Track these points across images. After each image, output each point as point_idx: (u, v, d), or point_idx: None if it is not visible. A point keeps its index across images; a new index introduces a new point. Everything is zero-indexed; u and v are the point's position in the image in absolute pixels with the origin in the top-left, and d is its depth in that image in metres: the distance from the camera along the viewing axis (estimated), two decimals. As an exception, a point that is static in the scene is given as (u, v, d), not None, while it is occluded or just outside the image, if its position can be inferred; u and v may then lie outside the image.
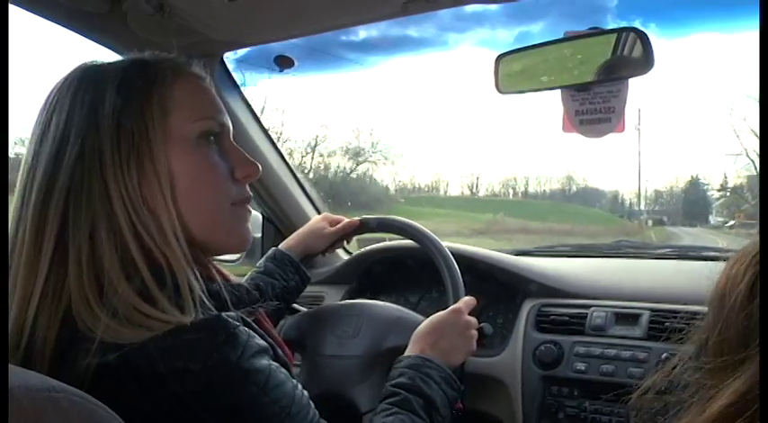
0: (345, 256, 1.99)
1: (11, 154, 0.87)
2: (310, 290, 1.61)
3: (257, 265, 1.47)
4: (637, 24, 1.22)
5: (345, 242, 1.63)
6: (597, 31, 1.28)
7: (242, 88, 1.76)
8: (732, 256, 0.66)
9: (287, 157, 1.92)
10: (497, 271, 1.75)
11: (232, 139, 0.99)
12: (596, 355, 1.48)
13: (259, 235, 1.96)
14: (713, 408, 0.57)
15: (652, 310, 1.50)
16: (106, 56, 0.98)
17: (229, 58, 1.70)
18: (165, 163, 0.87)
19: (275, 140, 1.89)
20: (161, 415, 0.75)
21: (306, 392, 0.87)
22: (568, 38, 1.30)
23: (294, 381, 0.86)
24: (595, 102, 1.33)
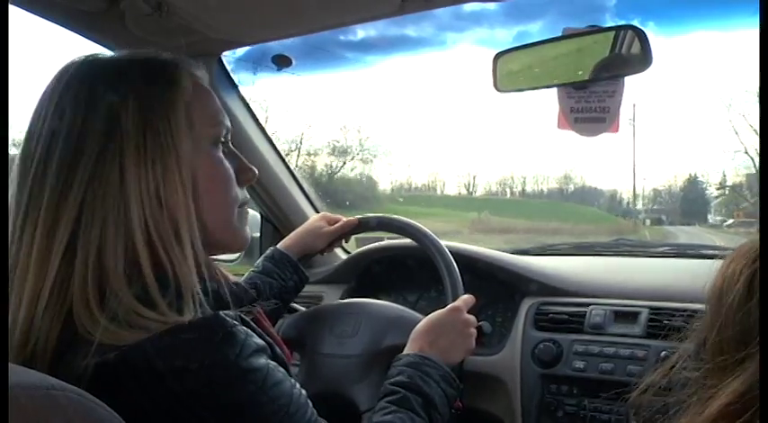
0: (344, 256, 1.99)
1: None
2: (309, 289, 1.61)
3: (255, 264, 1.47)
4: (635, 23, 1.22)
5: (344, 241, 1.63)
6: (595, 29, 1.28)
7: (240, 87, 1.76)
8: (728, 256, 0.66)
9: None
10: (496, 270, 1.75)
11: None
12: (595, 353, 1.48)
13: (258, 234, 1.96)
14: (712, 407, 0.57)
15: (651, 308, 1.50)
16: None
17: (227, 57, 1.70)
18: (189, 164, 0.88)
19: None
20: (160, 413, 0.75)
21: (304, 391, 0.87)
22: (567, 36, 1.30)
23: (292, 380, 0.86)
24: (591, 100, 1.33)
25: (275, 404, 0.81)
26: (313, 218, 1.60)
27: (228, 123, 0.98)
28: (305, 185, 1.97)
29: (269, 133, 1.85)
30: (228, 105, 1.69)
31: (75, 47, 1.42)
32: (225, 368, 0.77)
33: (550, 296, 1.65)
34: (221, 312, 0.81)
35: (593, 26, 1.31)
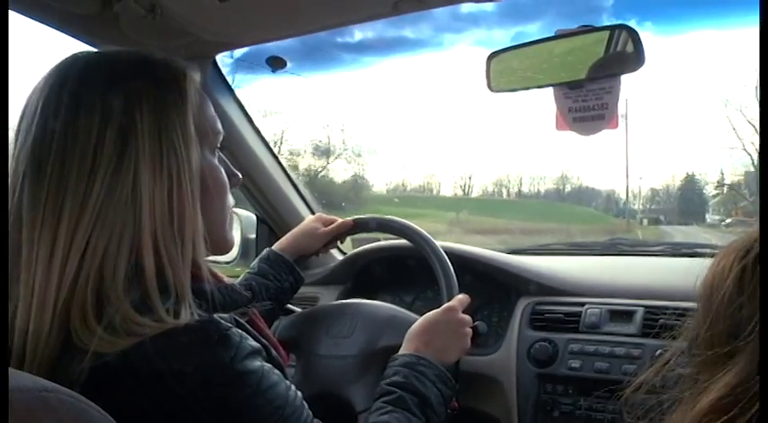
0: (340, 257, 1.99)
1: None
2: (305, 291, 1.61)
3: (251, 266, 1.47)
4: (632, 23, 1.22)
5: (339, 242, 1.63)
6: (588, 29, 1.28)
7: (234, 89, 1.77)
8: (719, 252, 0.66)
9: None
10: (492, 270, 1.75)
11: None
12: (591, 352, 1.48)
13: (253, 236, 1.96)
14: (704, 402, 0.57)
15: (646, 307, 1.51)
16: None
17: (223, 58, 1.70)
18: (198, 174, 0.89)
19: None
20: (158, 414, 0.75)
21: (299, 393, 0.87)
22: (560, 36, 1.30)
23: (288, 382, 0.86)
24: (588, 99, 1.33)
25: (271, 406, 0.81)
26: (308, 219, 1.60)
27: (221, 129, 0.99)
28: (301, 187, 1.97)
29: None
30: (223, 107, 1.69)
31: (64, 46, 1.41)
32: (220, 371, 0.77)
33: (546, 296, 1.65)
34: (216, 315, 0.81)
35: (585, 26, 1.31)
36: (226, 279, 1.01)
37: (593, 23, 1.29)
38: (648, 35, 1.21)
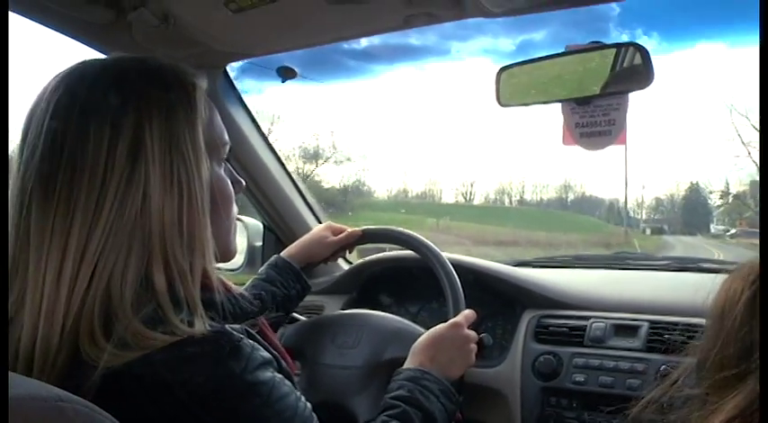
0: (345, 266, 2.00)
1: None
2: (310, 299, 1.61)
3: (259, 271, 1.47)
4: (639, 33, 1.23)
5: (348, 252, 1.64)
6: (598, 46, 1.29)
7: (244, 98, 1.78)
8: (731, 274, 0.67)
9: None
10: (497, 282, 1.75)
11: None
12: (595, 366, 1.48)
13: (259, 244, 1.97)
14: (715, 422, 0.58)
15: (651, 322, 1.50)
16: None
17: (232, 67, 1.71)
18: (207, 186, 0.88)
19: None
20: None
21: (309, 405, 0.87)
22: (570, 52, 1.31)
23: (298, 393, 0.87)
24: (596, 114, 1.33)
25: (280, 417, 0.81)
26: (318, 227, 1.60)
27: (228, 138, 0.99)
28: (308, 196, 1.98)
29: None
30: (233, 117, 1.71)
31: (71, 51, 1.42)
32: (231, 382, 0.78)
33: (551, 309, 1.65)
34: (227, 326, 0.81)
35: (596, 42, 1.31)
36: (235, 288, 1.01)
37: (598, 32, 1.31)
38: (653, 45, 1.21)
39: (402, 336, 1.37)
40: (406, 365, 1.19)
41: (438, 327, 1.26)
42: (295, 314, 1.56)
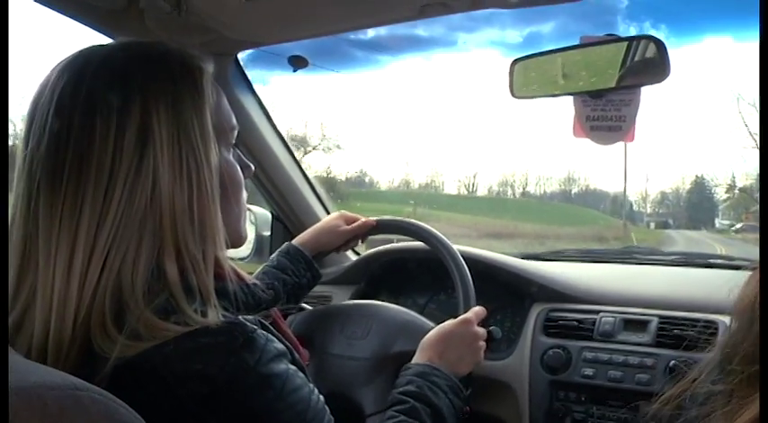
0: (353, 257, 1.99)
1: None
2: (318, 290, 1.61)
3: (270, 258, 1.46)
4: (647, 26, 1.22)
5: (360, 241, 1.63)
6: (613, 38, 1.28)
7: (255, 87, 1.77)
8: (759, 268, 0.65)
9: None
10: (506, 274, 1.75)
11: None
12: (604, 360, 1.48)
13: (268, 233, 1.97)
14: (743, 418, 0.57)
15: (660, 316, 1.50)
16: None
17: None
18: (217, 172, 0.87)
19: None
20: (178, 415, 0.75)
21: (322, 398, 0.87)
22: (584, 44, 1.30)
23: (311, 385, 0.86)
24: (607, 109, 1.33)
25: (293, 410, 0.81)
26: (331, 216, 1.59)
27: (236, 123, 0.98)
28: (317, 186, 1.97)
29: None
30: (244, 105, 1.69)
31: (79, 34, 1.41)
32: (244, 374, 0.77)
33: (560, 302, 1.65)
34: (241, 317, 0.81)
35: (610, 35, 1.31)
36: (248, 278, 1.00)
37: (607, 24, 1.31)
38: (661, 38, 1.20)
39: (411, 329, 1.37)
40: (414, 360, 1.18)
41: (448, 323, 1.26)
42: (304, 304, 1.56)
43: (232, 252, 1.00)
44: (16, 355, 0.65)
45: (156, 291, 0.79)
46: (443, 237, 1.51)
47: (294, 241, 1.51)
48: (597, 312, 1.57)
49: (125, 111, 0.81)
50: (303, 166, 1.93)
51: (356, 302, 1.60)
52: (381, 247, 1.90)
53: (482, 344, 1.27)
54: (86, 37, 1.41)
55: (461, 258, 1.45)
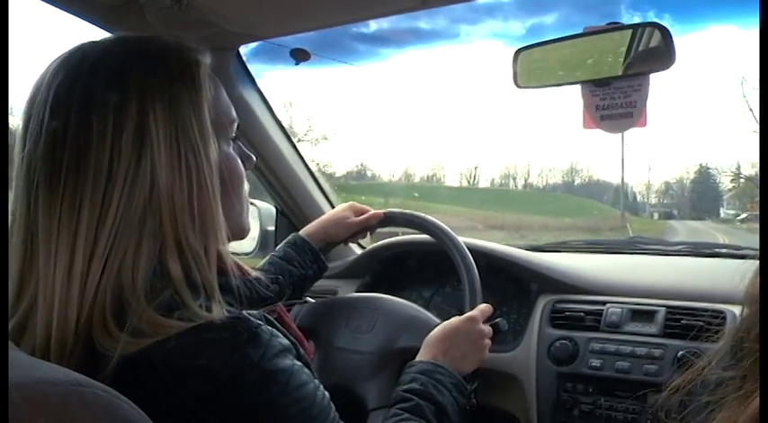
0: (358, 250, 1.99)
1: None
2: (323, 283, 1.60)
3: (276, 249, 1.46)
4: (651, 15, 1.21)
5: (369, 234, 1.62)
6: (618, 26, 1.26)
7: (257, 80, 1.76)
8: None
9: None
10: (511, 266, 1.74)
11: None
12: (612, 351, 1.47)
13: (272, 228, 1.96)
14: (757, 402, 0.56)
15: (668, 307, 1.49)
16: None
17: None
18: (216, 166, 0.87)
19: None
20: (181, 411, 0.75)
21: (327, 394, 0.86)
22: (588, 33, 1.29)
23: (316, 381, 0.86)
24: (616, 96, 1.32)
25: (298, 406, 0.80)
26: (339, 207, 1.57)
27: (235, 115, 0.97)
28: (321, 180, 1.96)
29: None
30: (246, 99, 1.69)
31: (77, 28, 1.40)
32: (248, 369, 0.77)
33: (566, 293, 1.64)
34: (245, 312, 0.81)
35: (614, 23, 1.29)
36: (252, 272, 1.00)
37: (610, 14, 1.30)
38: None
39: (416, 324, 1.36)
40: (419, 357, 1.18)
41: (453, 320, 1.25)
42: (308, 298, 1.55)
43: (237, 247, 1.00)
44: (20, 352, 0.65)
45: (159, 288, 0.79)
46: (450, 230, 1.50)
47: (302, 232, 1.49)
48: (604, 303, 1.57)
49: (122, 109, 0.80)
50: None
51: (362, 295, 1.60)
52: (385, 241, 1.89)
53: (487, 342, 1.26)
54: (86, 32, 1.40)
55: (468, 253, 1.44)
